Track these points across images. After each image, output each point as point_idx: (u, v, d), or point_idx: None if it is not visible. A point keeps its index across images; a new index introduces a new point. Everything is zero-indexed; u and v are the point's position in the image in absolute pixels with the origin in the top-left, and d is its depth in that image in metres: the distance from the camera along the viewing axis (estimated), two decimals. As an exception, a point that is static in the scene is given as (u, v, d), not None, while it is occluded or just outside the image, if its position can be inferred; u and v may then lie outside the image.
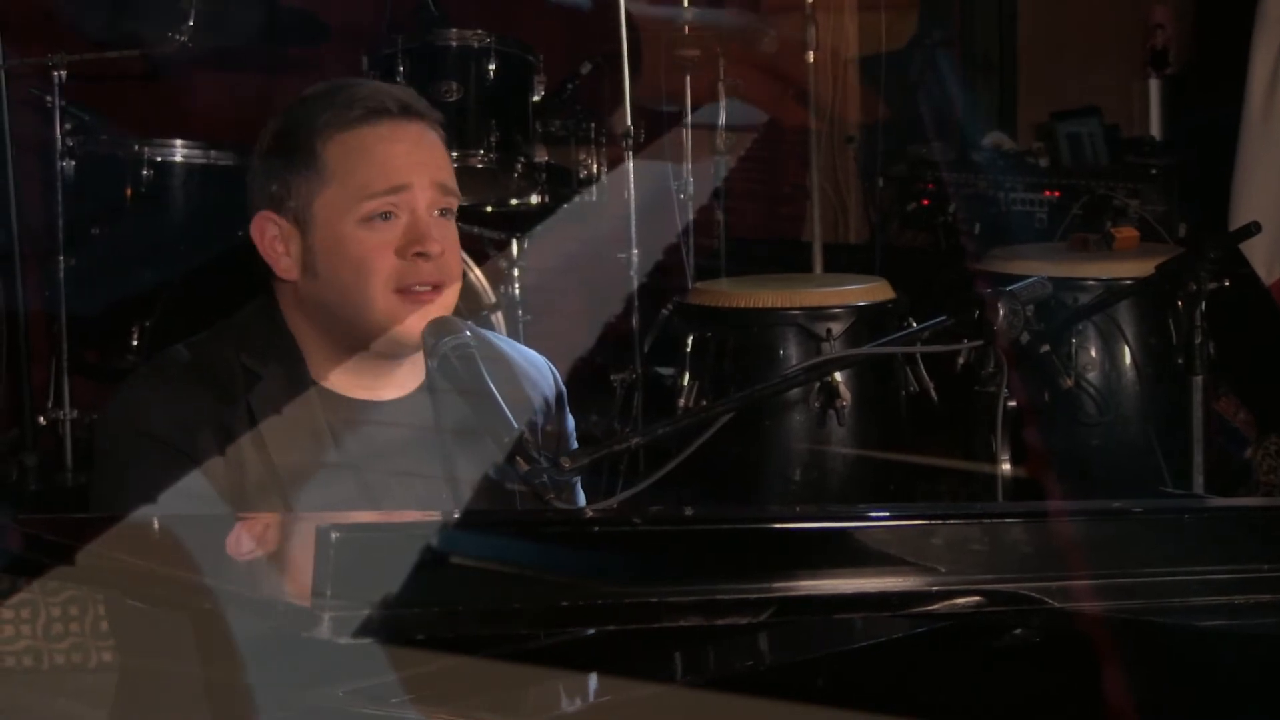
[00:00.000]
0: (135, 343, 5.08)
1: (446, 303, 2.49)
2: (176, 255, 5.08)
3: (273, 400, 2.46)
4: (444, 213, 2.49)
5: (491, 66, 5.27)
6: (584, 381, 5.74)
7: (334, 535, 1.52)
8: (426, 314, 2.45)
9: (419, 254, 2.43)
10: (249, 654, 1.66)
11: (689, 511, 1.88)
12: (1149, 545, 1.90)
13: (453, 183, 2.51)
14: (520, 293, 5.39)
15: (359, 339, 2.49)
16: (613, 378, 5.22)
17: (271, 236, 2.49)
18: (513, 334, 5.21)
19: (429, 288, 2.45)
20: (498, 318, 5.15)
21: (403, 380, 2.55)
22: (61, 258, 5.04)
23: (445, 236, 2.48)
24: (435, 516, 2.27)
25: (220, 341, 2.52)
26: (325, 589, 1.51)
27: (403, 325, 2.45)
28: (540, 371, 2.72)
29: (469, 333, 2.48)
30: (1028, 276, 2.94)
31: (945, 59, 6.72)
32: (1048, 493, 3.46)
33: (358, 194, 2.43)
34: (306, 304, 2.50)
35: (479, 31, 5.30)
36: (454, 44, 5.29)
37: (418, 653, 1.60)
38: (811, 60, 6.01)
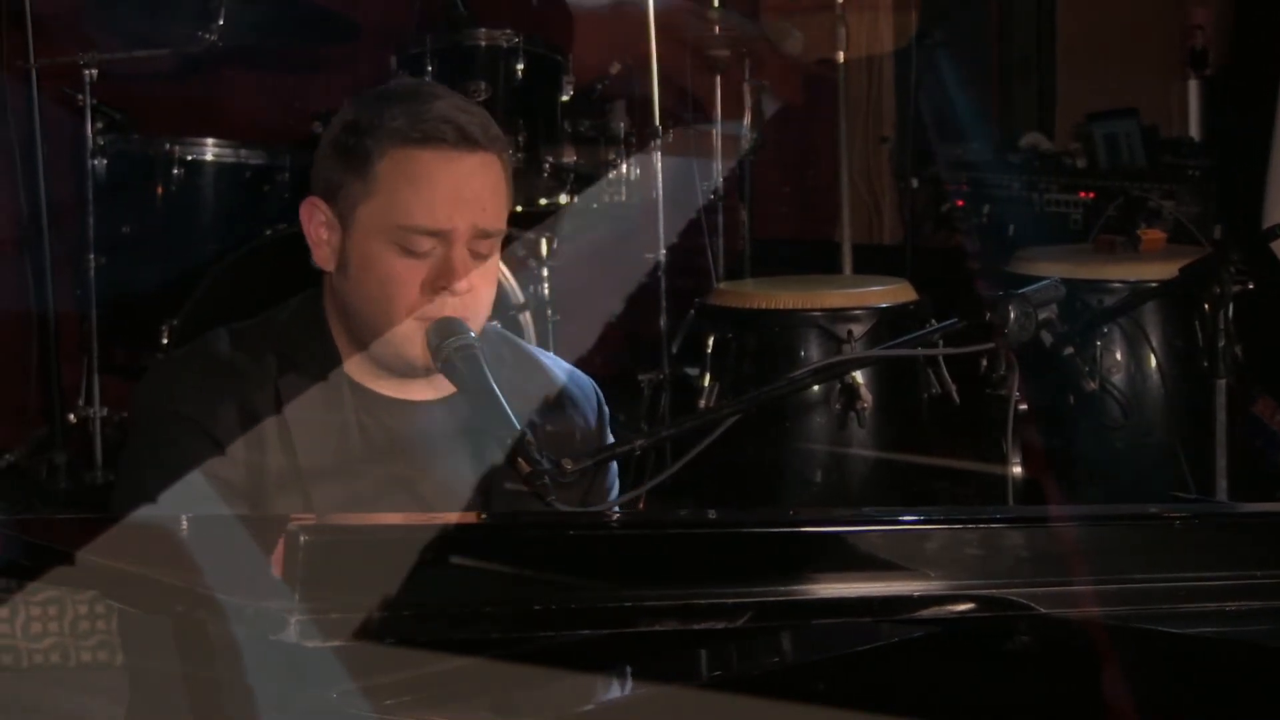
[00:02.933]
0: (165, 341, 5.09)
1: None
2: (207, 254, 5.10)
3: (302, 389, 2.49)
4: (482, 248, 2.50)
5: (520, 66, 5.26)
6: (612, 382, 5.73)
7: (303, 538, 1.51)
8: None
9: (444, 288, 2.44)
10: (244, 654, 1.66)
11: (671, 515, 1.88)
12: (1140, 550, 1.88)
13: (497, 221, 2.50)
14: (549, 293, 5.38)
15: (376, 349, 2.51)
16: (640, 378, 5.21)
17: (318, 222, 2.52)
18: (541, 334, 5.20)
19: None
20: (526, 318, 5.14)
21: (438, 383, 2.54)
22: (92, 256, 5.07)
23: (478, 274, 2.48)
24: (407, 519, 2.28)
25: (262, 328, 2.57)
26: (294, 592, 1.51)
27: (417, 349, 2.47)
28: (585, 394, 2.73)
29: (509, 349, 2.50)
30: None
31: (945, 59, 6.67)
32: (1065, 496, 3.44)
33: (397, 219, 2.44)
34: (339, 297, 2.53)
35: (507, 31, 5.29)
36: (482, 44, 5.28)
37: (415, 653, 1.60)
38: (842, 60, 5.99)
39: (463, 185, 2.45)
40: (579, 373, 2.77)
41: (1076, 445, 4.45)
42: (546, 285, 5.38)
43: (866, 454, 4.22)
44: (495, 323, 2.66)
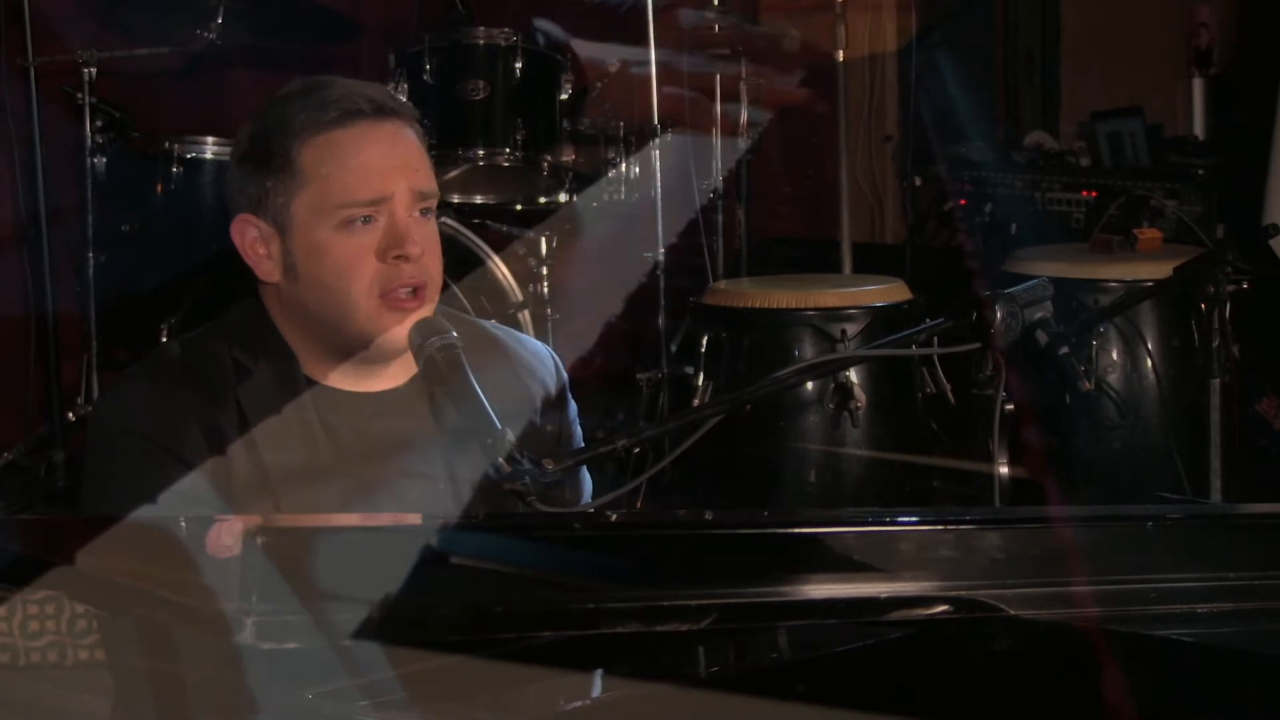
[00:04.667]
0: (164, 339, 5.09)
1: (429, 304, 2.50)
2: (206, 252, 5.09)
3: (262, 395, 2.48)
4: (424, 212, 2.50)
5: (519, 65, 5.27)
6: (611, 380, 5.74)
7: (259, 540, 1.51)
8: (409, 319, 2.46)
9: (399, 256, 2.45)
10: (214, 655, 1.66)
11: (641, 516, 1.87)
12: (1113, 552, 1.87)
13: (431, 184, 2.52)
14: (548, 292, 5.39)
15: (344, 343, 2.50)
16: (639, 377, 5.20)
17: (252, 238, 2.51)
18: (540, 333, 5.20)
19: (411, 292, 2.47)
20: (524, 316, 5.15)
21: (395, 372, 2.56)
22: (91, 254, 5.08)
23: (425, 237, 2.49)
24: (366, 520, 2.27)
25: (213, 338, 2.55)
26: (250, 594, 1.51)
27: (387, 332, 2.47)
28: (541, 360, 2.74)
29: (460, 326, 2.50)
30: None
31: (948, 57, 6.66)
32: (1061, 497, 3.43)
33: (337, 199, 2.44)
34: (289, 304, 2.52)
35: (506, 30, 5.30)
36: (481, 43, 5.29)
37: (391, 653, 1.60)
38: (841, 59, 5.97)
39: (390, 150, 2.47)
40: (536, 343, 2.79)
41: (1073, 445, 4.44)
42: (545, 284, 5.39)
43: (861, 454, 4.21)
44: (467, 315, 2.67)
